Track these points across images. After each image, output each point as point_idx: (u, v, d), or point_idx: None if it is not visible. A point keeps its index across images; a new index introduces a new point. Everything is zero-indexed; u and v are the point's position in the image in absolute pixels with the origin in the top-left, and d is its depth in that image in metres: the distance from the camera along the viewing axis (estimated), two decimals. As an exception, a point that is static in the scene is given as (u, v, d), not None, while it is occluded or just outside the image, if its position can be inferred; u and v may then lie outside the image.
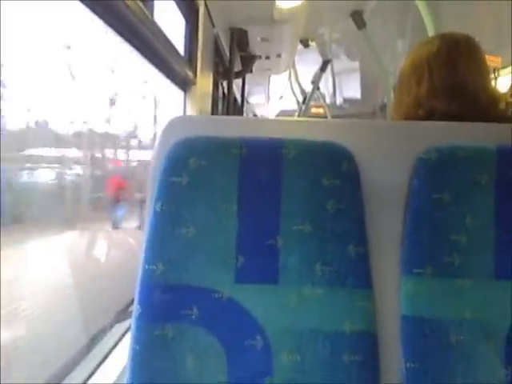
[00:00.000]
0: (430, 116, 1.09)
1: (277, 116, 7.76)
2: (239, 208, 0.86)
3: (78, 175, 1.67)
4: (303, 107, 6.63)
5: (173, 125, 0.94)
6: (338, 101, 7.05)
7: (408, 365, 0.86)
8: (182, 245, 0.85)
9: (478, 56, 1.15)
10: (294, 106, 7.35)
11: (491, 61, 3.44)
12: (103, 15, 1.22)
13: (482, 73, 1.15)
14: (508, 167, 0.87)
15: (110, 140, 1.91)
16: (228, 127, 0.95)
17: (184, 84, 2.22)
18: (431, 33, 2.79)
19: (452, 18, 2.89)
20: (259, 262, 0.85)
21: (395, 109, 1.21)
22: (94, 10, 1.16)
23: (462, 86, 1.10)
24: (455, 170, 0.88)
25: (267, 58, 3.61)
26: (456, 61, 1.13)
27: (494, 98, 1.13)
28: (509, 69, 3.65)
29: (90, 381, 1.39)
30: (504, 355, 0.85)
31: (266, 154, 0.87)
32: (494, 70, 3.47)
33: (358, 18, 3.56)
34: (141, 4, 1.31)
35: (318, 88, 6.30)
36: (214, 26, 2.53)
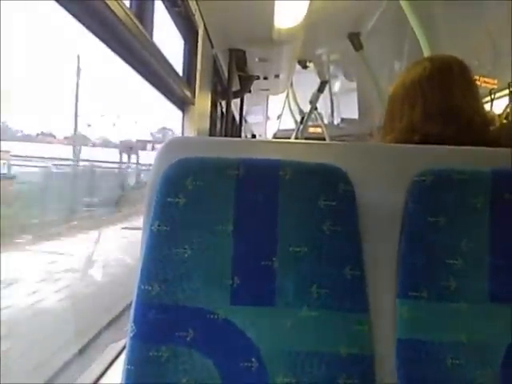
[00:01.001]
0: (424, 141, 1.07)
1: (275, 135, 7.79)
2: (235, 229, 0.86)
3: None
4: (301, 127, 6.66)
5: (170, 145, 0.94)
6: (336, 121, 7.09)
7: None
8: (178, 265, 0.85)
9: (469, 79, 1.15)
10: (292, 126, 7.39)
11: (488, 83, 3.47)
12: (102, 36, 1.22)
13: (475, 95, 1.15)
14: (503, 190, 0.87)
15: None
16: (225, 148, 0.95)
17: (182, 104, 2.23)
18: (427, 54, 2.81)
19: (448, 41, 2.92)
20: (255, 284, 0.85)
21: (385, 134, 1.19)
22: (93, 31, 1.17)
23: (456, 110, 1.10)
24: (450, 193, 0.88)
25: (265, 78, 3.64)
26: (449, 84, 1.13)
27: (487, 120, 1.13)
28: (505, 91, 3.68)
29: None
30: (500, 378, 0.84)
31: (263, 175, 0.87)
32: (491, 91, 3.49)
33: (355, 39, 3.60)
34: (140, 26, 1.32)
35: (316, 108, 6.34)
36: (212, 46, 2.56)
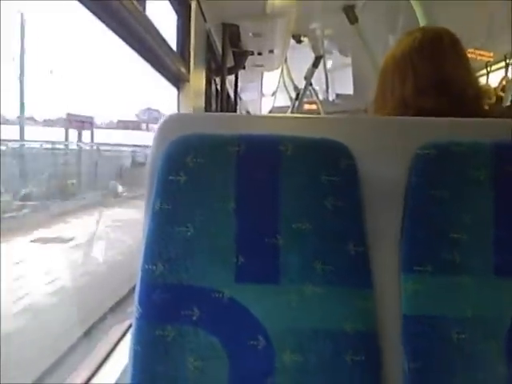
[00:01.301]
0: (418, 115, 1.04)
1: (270, 112, 7.75)
2: (237, 206, 0.85)
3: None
4: (296, 103, 6.63)
5: (168, 122, 0.92)
6: (331, 97, 7.05)
7: (410, 364, 0.85)
8: (181, 244, 0.84)
9: (460, 50, 1.13)
10: (287, 103, 7.35)
11: (483, 55, 3.45)
12: (95, 10, 1.20)
13: (467, 67, 1.12)
14: (506, 163, 0.86)
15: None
16: (224, 124, 0.93)
17: (177, 81, 2.20)
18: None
19: (444, 12, 2.88)
20: (259, 261, 0.84)
21: (377, 109, 1.17)
22: (86, 5, 1.14)
23: (448, 82, 1.08)
24: (453, 165, 0.87)
25: (259, 53, 3.60)
26: (440, 55, 1.10)
27: (480, 92, 1.11)
28: (501, 63, 3.66)
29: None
30: (505, 352, 0.84)
31: (264, 150, 0.86)
32: (487, 64, 3.48)
33: (350, 12, 3.56)
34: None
35: (311, 84, 6.30)
36: (206, 21, 2.51)
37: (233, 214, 0.84)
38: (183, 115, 1.33)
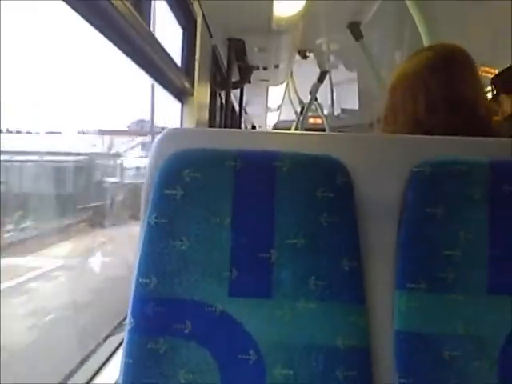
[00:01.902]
0: (430, 133, 1.03)
1: (275, 126, 7.77)
2: (233, 221, 0.85)
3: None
4: (301, 118, 6.65)
5: (167, 137, 0.93)
6: (336, 111, 7.07)
7: (401, 380, 0.85)
8: (176, 258, 0.84)
9: (472, 68, 1.13)
10: (292, 117, 7.37)
11: (488, 72, 3.45)
12: (100, 26, 1.21)
13: (478, 85, 1.13)
14: (502, 181, 0.86)
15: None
16: (223, 140, 0.94)
17: (181, 95, 2.22)
18: (427, 43, 2.79)
19: (448, 30, 2.90)
20: (253, 276, 0.85)
21: (386, 126, 1.17)
22: (90, 21, 1.16)
23: (460, 100, 1.08)
24: (449, 183, 0.87)
25: (265, 68, 3.62)
26: (452, 73, 1.10)
27: (490, 110, 1.12)
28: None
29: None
30: (498, 370, 0.84)
31: (261, 166, 0.87)
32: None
33: (355, 29, 3.57)
34: (137, 15, 1.31)
35: (316, 99, 6.32)
36: (211, 36, 2.54)
37: (228, 228, 0.85)
38: (181, 130, 1.34)
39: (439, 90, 1.10)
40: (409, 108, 1.12)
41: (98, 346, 1.76)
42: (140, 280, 0.84)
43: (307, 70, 5.26)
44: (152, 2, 1.55)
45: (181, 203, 0.85)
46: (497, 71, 3.45)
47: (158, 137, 0.93)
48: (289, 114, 7.43)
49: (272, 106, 6.75)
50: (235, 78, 3.30)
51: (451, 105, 1.08)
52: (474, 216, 0.87)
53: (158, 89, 1.97)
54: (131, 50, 1.45)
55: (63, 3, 1.04)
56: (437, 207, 0.86)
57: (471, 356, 0.84)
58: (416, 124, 1.09)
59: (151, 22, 1.52)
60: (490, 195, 0.86)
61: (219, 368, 0.83)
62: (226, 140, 0.94)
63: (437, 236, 0.87)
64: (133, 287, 0.85)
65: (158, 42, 1.57)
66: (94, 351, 1.71)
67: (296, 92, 6.66)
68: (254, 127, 8.11)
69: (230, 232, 0.85)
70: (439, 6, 2.76)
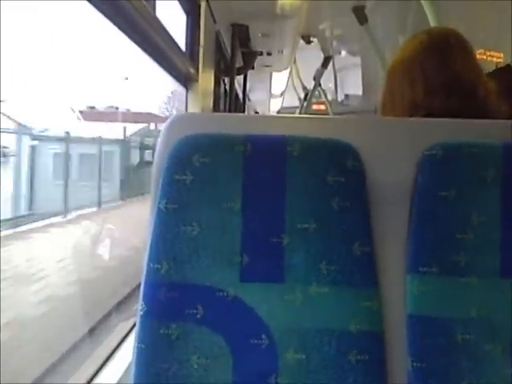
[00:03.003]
0: (429, 116, 1.04)
1: (278, 112, 7.75)
2: (244, 206, 0.85)
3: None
4: (305, 104, 6.62)
5: (175, 122, 0.93)
6: (340, 97, 7.04)
7: (414, 364, 0.85)
8: (187, 243, 0.85)
9: (468, 50, 1.12)
10: (296, 103, 7.34)
11: (493, 56, 3.42)
12: (105, 11, 1.21)
13: (476, 67, 1.12)
14: None
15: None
16: (231, 124, 0.94)
17: (186, 81, 2.21)
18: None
19: (455, 13, 2.88)
20: (264, 261, 0.85)
21: (385, 112, 1.17)
22: (96, 6, 1.15)
23: (457, 82, 1.08)
24: (461, 166, 0.87)
25: (269, 54, 3.60)
26: (448, 56, 1.10)
27: (489, 91, 1.11)
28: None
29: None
30: (510, 353, 0.84)
31: (270, 151, 0.87)
32: (497, 65, 3.46)
33: (359, 12, 3.54)
34: (143, 0, 1.30)
35: (320, 84, 6.29)
36: (215, 21, 2.52)
37: (238, 213, 0.85)
38: (190, 115, 1.34)
39: (436, 73, 1.09)
40: (407, 93, 1.11)
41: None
42: (151, 265, 0.85)
43: (311, 56, 5.23)
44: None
45: (191, 188, 0.85)
46: (502, 55, 3.44)
47: (166, 122, 0.93)
48: (292, 101, 7.40)
49: (275, 93, 6.73)
50: (239, 63, 3.28)
51: (449, 87, 1.07)
52: (486, 199, 0.86)
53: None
54: (137, 36, 1.44)
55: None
56: (449, 190, 0.86)
57: (484, 339, 0.84)
58: (415, 108, 1.09)
59: (156, 6, 1.50)
60: (503, 178, 0.86)
61: (232, 353, 0.84)
62: (233, 124, 0.94)
63: (449, 219, 0.86)
64: (144, 272, 0.85)
65: (163, 28, 1.56)
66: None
67: (299, 78, 6.62)
68: (257, 113, 8.09)
69: (241, 217, 0.85)
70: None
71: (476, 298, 0.85)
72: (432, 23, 2.64)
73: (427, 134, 0.91)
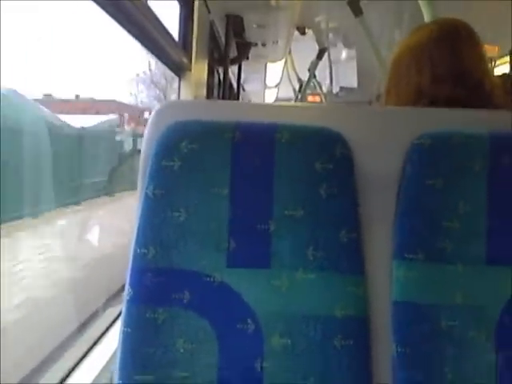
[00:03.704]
0: (433, 104, 1.06)
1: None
2: (231, 192, 0.86)
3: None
4: (299, 95, 6.60)
5: (164, 109, 0.93)
6: (335, 89, 7.01)
7: (399, 349, 0.86)
8: (174, 229, 0.85)
9: (477, 43, 1.13)
10: (291, 94, 7.32)
11: (489, 50, 3.42)
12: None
13: (483, 59, 1.13)
14: (501, 153, 0.87)
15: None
16: (221, 112, 0.94)
17: (179, 70, 2.20)
18: (428, 21, 2.76)
19: (449, 7, 2.87)
20: (251, 247, 0.86)
21: (388, 99, 1.17)
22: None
23: (465, 72, 1.09)
24: (448, 156, 0.88)
25: (263, 45, 3.58)
26: (458, 47, 1.11)
27: (496, 84, 1.12)
28: (506, 58, 3.64)
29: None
30: (495, 340, 0.86)
31: (259, 138, 0.87)
32: (492, 59, 3.47)
33: (354, 4, 3.52)
34: None
35: (315, 76, 6.26)
36: (209, 12, 2.51)
37: (226, 199, 0.86)
38: (179, 102, 1.34)
39: (444, 62, 1.10)
40: (413, 79, 1.12)
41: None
42: (138, 250, 0.85)
43: (306, 47, 5.22)
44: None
45: (178, 174, 0.85)
46: (497, 49, 3.44)
47: (155, 108, 0.93)
48: (287, 92, 7.37)
49: (270, 84, 6.70)
50: (233, 54, 3.27)
51: (457, 77, 1.08)
52: (473, 187, 0.87)
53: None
54: (128, 24, 1.43)
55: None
56: (436, 179, 0.87)
57: (468, 326, 0.86)
58: (420, 95, 1.09)
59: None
60: (489, 167, 0.87)
61: (217, 337, 0.85)
62: (224, 112, 0.94)
63: (435, 207, 0.87)
64: (131, 257, 0.86)
65: (155, 17, 1.56)
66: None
67: (294, 69, 6.60)
68: None
69: (229, 203, 0.86)
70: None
71: (461, 285, 0.87)
72: (426, 17, 2.63)
73: (417, 123, 0.92)
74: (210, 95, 2.80)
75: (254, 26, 3.06)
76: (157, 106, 0.94)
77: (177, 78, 2.19)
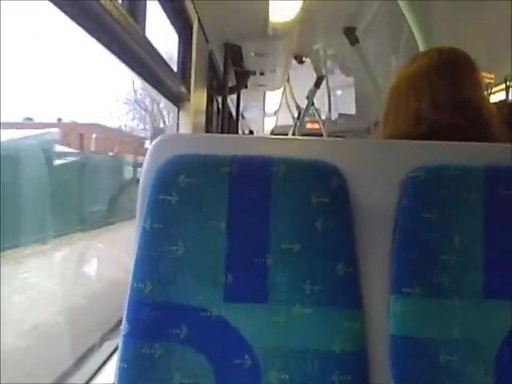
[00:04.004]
0: (432, 131, 1.05)
1: (272, 131, 7.77)
2: (228, 226, 0.85)
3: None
4: (298, 123, 6.65)
5: (162, 142, 0.93)
6: (333, 116, 7.06)
7: None
8: (171, 263, 0.85)
9: (476, 72, 1.13)
10: (290, 122, 7.37)
11: (485, 77, 3.46)
12: (94, 31, 1.22)
13: (481, 88, 1.13)
14: (497, 186, 0.87)
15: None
16: (219, 145, 0.95)
17: (178, 100, 2.23)
18: (423, 49, 2.80)
19: (444, 35, 2.91)
20: (248, 281, 0.85)
21: (386, 127, 1.16)
22: (84, 27, 1.16)
23: (465, 100, 1.09)
24: (444, 189, 0.88)
25: (262, 73, 3.63)
26: (457, 75, 1.11)
27: (493, 114, 1.12)
28: (502, 86, 3.68)
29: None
30: (493, 375, 0.84)
31: (256, 171, 0.87)
32: (488, 86, 3.50)
33: (350, 34, 3.57)
34: (131, 20, 1.31)
35: (313, 104, 6.32)
36: (208, 41, 2.54)
37: (223, 233, 0.85)
38: (176, 135, 1.34)
39: (444, 89, 1.10)
40: (412, 105, 1.11)
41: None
42: (135, 285, 0.84)
43: (304, 75, 5.27)
44: (147, 7, 1.55)
45: (176, 208, 0.85)
46: (493, 76, 3.48)
47: (154, 142, 0.93)
48: (286, 119, 7.42)
49: (269, 111, 6.76)
50: (232, 82, 3.31)
51: (456, 104, 1.08)
52: (469, 220, 0.87)
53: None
54: (126, 56, 1.45)
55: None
56: (432, 212, 0.87)
57: (467, 360, 0.84)
58: (419, 119, 1.09)
59: (146, 27, 1.52)
60: (485, 199, 0.87)
61: (214, 372, 0.83)
62: (222, 145, 0.95)
63: (432, 241, 0.87)
64: (128, 292, 0.85)
65: (153, 48, 1.58)
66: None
67: (293, 97, 6.66)
68: (251, 132, 8.11)
69: (226, 237, 0.85)
70: (435, 14, 2.78)
71: (459, 319, 0.85)
72: (421, 46, 2.67)
73: (413, 156, 0.92)
74: (208, 124, 2.82)
75: (252, 54, 3.11)
76: (156, 139, 0.94)
77: (164, 98, 2.19)
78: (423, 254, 0.87)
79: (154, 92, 1.86)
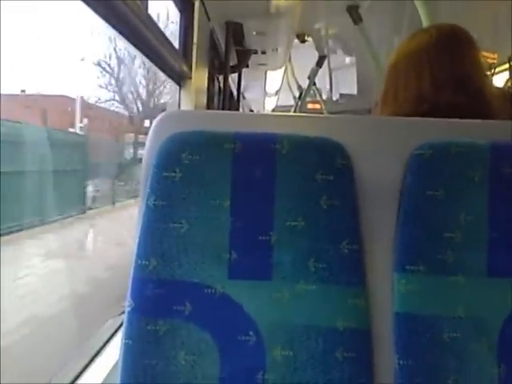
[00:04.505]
0: (434, 110, 1.04)
1: (273, 111, 7.74)
2: (232, 203, 0.85)
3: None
4: (299, 103, 6.61)
5: (165, 119, 0.93)
6: (335, 96, 7.02)
7: (401, 362, 0.86)
8: (175, 240, 0.85)
9: (476, 49, 1.12)
10: (291, 102, 7.33)
11: (488, 57, 3.43)
12: (97, 8, 1.20)
13: (481, 66, 1.12)
14: (501, 163, 0.87)
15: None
16: (222, 122, 0.94)
17: (179, 78, 2.21)
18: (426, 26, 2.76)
19: (449, 14, 2.88)
20: (252, 258, 0.85)
21: (386, 106, 1.15)
22: (87, 3, 1.15)
23: (465, 79, 1.07)
24: (449, 166, 0.87)
25: (263, 52, 3.59)
26: (457, 52, 1.09)
27: (494, 93, 1.11)
28: (505, 66, 3.65)
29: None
30: (497, 352, 0.85)
31: (260, 148, 0.87)
32: (491, 66, 3.47)
33: (354, 12, 3.54)
34: None
35: (315, 83, 6.28)
36: (209, 19, 2.51)
37: (227, 210, 0.85)
38: (179, 112, 1.34)
39: (445, 67, 1.08)
40: (412, 85, 1.10)
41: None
42: (139, 262, 0.85)
43: (306, 55, 5.23)
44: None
45: (179, 186, 0.85)
46: (496, 56, 3.45)
47: (156, 119, 0.93)
48: (287, 99, 7.38)
49: (270, 91, 6.72)
50: (233, 62, 3.28)
51: (457, 82, 1.07)
52: (474, 198, 0.87)
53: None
54: (129, 33, 1.44)
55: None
56: (437, 190, 0.86)
57: (470, 338, 0.85)
58: (419, 100, 1.08)
59: (148, 4, 1.50)
60: (490, 177, 0.86)
61: (219, 349, 0.84)
62: (224, 122, 0.94)
63: (437, 218, 0.87)
64: (132, 269, 0.86)
65: (155, 25, 1.56)
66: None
67: (294, 77, 6.61)
68: (251, 111, 8.07)
69: (229, 214, 0.85)
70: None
71: (463, 297, 0.86)
72: (425, 23, 2.64)
73: (417, 133, 0.92)
74: (210, 103, 2.80)
75: (254, 33, 3.07)
76: (158, 116, 0.93)
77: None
78: (428, 232, 0.87)
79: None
